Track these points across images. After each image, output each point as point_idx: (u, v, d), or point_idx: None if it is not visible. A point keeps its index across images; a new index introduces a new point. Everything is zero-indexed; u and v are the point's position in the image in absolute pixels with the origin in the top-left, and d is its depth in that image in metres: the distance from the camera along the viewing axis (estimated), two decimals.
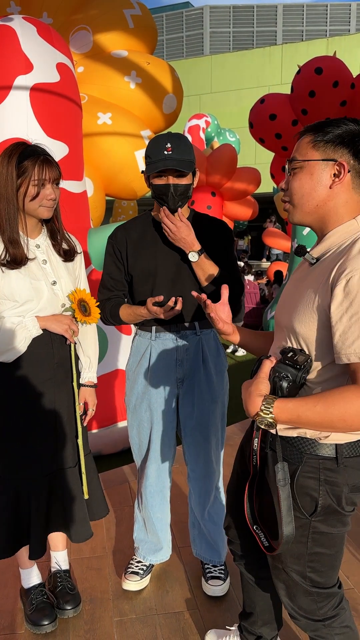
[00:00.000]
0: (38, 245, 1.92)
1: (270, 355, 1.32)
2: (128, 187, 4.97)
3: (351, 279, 1.15)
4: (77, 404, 2.00)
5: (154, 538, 2.30)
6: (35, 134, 3.55)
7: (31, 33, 3.64)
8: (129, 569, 2.32)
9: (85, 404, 2.12)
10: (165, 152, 1.88)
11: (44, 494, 1.96)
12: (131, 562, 2.35)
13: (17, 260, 1.81)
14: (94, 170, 4.86)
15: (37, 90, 3.60)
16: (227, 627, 2.01)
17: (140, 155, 4.81)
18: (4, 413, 1.90)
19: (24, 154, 1.78)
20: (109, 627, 2.09)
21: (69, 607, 2.12)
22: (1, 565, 2.45)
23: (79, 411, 2.01)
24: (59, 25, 4.78)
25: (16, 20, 3.59)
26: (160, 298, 1.84)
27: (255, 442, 1.34)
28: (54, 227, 1.97)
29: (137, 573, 2.30)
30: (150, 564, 2.35)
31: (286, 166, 1.33)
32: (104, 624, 2.10)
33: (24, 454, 1.92)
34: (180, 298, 1.85)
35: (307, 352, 1.26)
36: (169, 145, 1.88)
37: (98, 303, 2.08)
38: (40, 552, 1.97)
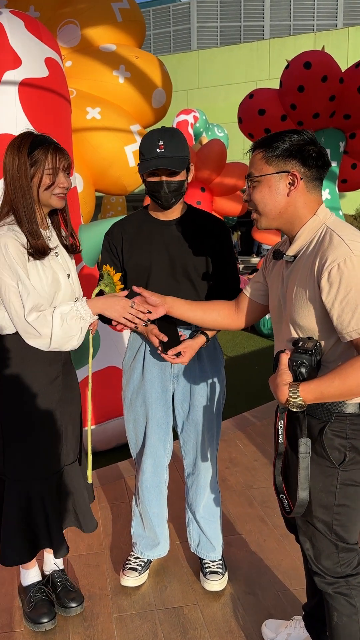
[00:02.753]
0: (49, 237, 1.89)
1: (284, 350, 1.46)
2: (118, 182, 4.95)
3: (332, 270, 1.35)
4: (88, 401, 2.00)
5: (151, 533, 2.29)
6: (24, 129, 3.51)
7: (19, 27, 3.60)
8: (127, 565, 2.31)
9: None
10: (158, 150, 1.87)
11: (55, 492, 1.96)
12: (129, 558, 2.35)
13: (40, 251, 1.76)
14: (84, 165, 4.83)
15: (25, 85, 3.56)
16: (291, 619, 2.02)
17: (130, 150, 4.78)
18: (15, 412, 1.89)
19: (35, 143, 1.75)
20: (109, 624, 2.08)
21: (75, 604, 2.12)
22: None
23: (90, 403, 2.01)
24: (46, 19, 4.73)
25: (4, 14, 3.55)
26: (165, 338, 1.87)
27: (280, 424, 1.50)
28: (61, 219, 1.95)
29: (135, 569, 2.29)
30: (148, 560, 2.34)
31: (247, 182, 1.50)
32: (103, 621, 2.10)
33: (35, 455, 1.92)
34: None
35: (314, 339, 1.44)
36: (161, 142, 1.87)
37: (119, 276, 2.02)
38: (64, 549, 1.98)
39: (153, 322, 1.96)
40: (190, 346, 1.95)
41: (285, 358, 1.43)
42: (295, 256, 1.51)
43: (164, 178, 1.91)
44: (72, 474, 2.01)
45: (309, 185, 1.47)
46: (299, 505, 1.45)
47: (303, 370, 1.38)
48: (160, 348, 1.91)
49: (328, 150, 5.80)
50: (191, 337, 2.02)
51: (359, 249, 1.34)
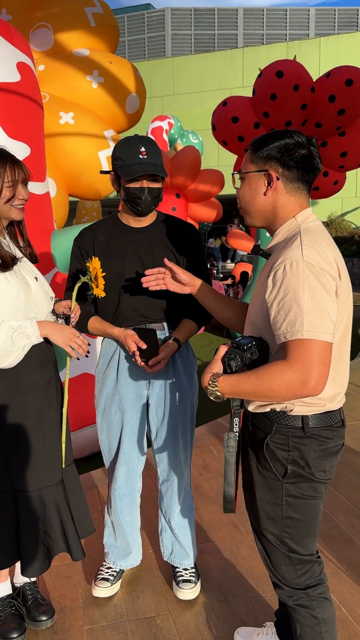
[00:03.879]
0: (9, 246, 1.90)
1: (227, 343, 1.48)
2: (92, 187, 4.92)
3: (278, 270, 1.35)
4: (64, 402, 1.98)
5: (124, 543, 2.27)
6: None
7: None
8: (99, 576, 2.28)
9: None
10: (141, 156, 1.87)
11: (36, 508, 1.93)
12: (101, 568, 2.32)
13: (5, 262, 1.78)
14: (57, 170, 4.78)
15: None
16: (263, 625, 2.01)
17: (103, 155, 4.76)
18: (14, 422, 1.87)
19: None
20: (80, 636, 2.05)
21: (45, 618, 2.08)
22: None
23: (65, 416, 1.99)
24: (19, 23, 4.68)
25: None
26: (143, 345, 1.89)
27: (236, 421, 1.52)
28: (17, 230, 1.95)
29: (107, 579, 2.26)
30: (120, 570, 2.32)
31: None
32: (74, 633, 2.06)
33: (18, 464, 1.90)
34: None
35: (256, 337, 1.45)
36: (143, 149, 1.87)
37: (104, 274, 1.95)
38: (35, 570, 1.94)
39: (133, 329, 1.96)
40: (167, 355, 1.96)
41: (222, 349, 1.45)
42: (270, 254, 1.52)
43: (145, 184, 1.92)
44: (56, 497, 1.99)
45: (288, 186, 1.46)
46: (226, 501, 1.47)
47: (233, 364, 1.39)
48: (137, 355, 1.92)
49: None
50: (163, 342, 2.02)
51: (310, 255, 1.33)
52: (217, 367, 1.43)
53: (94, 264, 1.84)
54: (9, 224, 1.93)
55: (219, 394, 1.40)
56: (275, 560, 1.57)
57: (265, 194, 1.47)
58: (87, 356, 1.90)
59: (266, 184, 1.46)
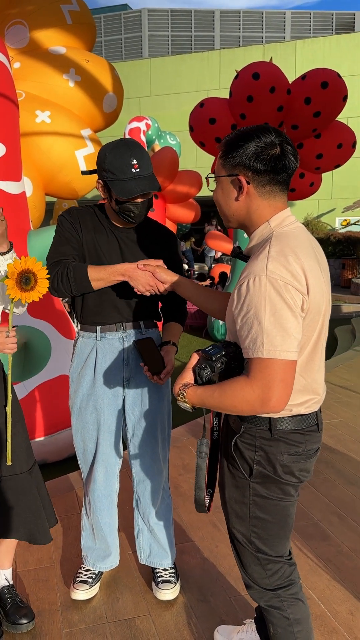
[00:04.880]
0: None
1: (199, 350, 1.47)
2: (68, 186, 4.88)
3: (243, 284, 1.32)
4: (9, 410, 1.88)
5: (102, 544, 2.25)
6: None
7: None
8: (78, 578, 2.26)
9: None
10: (134, 170, 1.82)
11: None
12: (79, 571, 2.29)
13: None
14: (33, 169, 4.73)
15: None
16: (243, 622, 2.01)
17: (80, 154, 4.72)
18: None
19: None
20: None
21: (25, 621, 2.05)
22: None
23: (10, 417, 1.89)
24: None
25: None
26: (160, 262, 1.85)
27: (215, 421, 1.55)
28: None
29: (86, 582, 2.24)
30: (99, 572, 2.30)
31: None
32: (53, 637, 2.04)
33: None
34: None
35: (229, 343, 1.43)
36: (135, 162, 1.82)
37: (48, 276, 1.81)
38: None
39: (134, 342, 1.92)
40: (173, 362, 1.98)
41: (194, 359, 1.45)
42: (248, 256, 1.48)
43: (139, 199, 1.89)
44: (16, 486, 1.96)
45: (259, 190, 1.41)
46: (197, 504, 1.49)
47: (203, 373, 1.39)
48: (146, 370, 1.90)
49: None
50: (162, 346, 2.03)
51: (274, 269, 1.29)
52: (188, 376, 1.44)
53: (26, 264, 1.71)
54: None
55: (187, 405, 1.42)
56: (245, 560, 1.58)
57: (237, 199, 1.43)
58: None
59: (238, 189, 1.43)
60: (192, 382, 1.44)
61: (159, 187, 1.87)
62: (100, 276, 1.86)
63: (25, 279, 1.72)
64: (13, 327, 1.82)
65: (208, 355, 1.39)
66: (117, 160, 1.83)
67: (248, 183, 1.41)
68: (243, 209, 1.44)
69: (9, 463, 1.90)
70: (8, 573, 2.16)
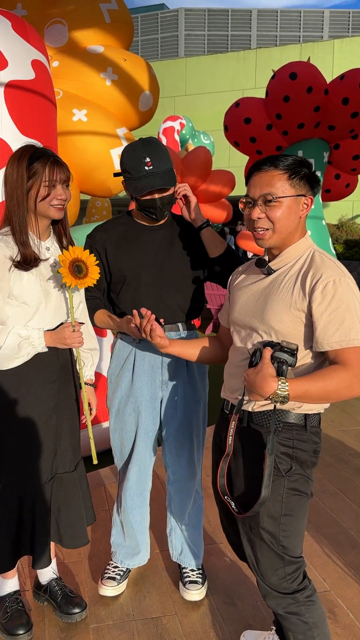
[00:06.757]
0: (48, 247, 1.91)
1: (265, 346, 1.49)
2: (103, 184, 4.91)
3: (328, 284, 1.45)
4: (85, 403, 1.97)
5: (132, 542, 2.26)
6: (9, 132, 3.47)
7: (5, 28, 3.56)
8: (106, 574, 2.28)
9: (89, 404, 2.11)
10: (146, 168, 1.85)
11: (47, 500, 1.93)
12: (108, 567, 2.31)
13: (27, 260, 1.79)
14: (69, 167, 4.78)
15: (11, 87, 3.52)
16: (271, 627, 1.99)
17: (115, 153, 4.74)
18: (9, 418, 1.87)
19: (34, 156, 1.78)
20: (86, 635, 2.04)
21: (78, 610, 2.09)
22: None
23: (87, 409, 1.98)
24: (34, 18, 4.68)
25: None
26: (145, 311, 1.81)
27: (233, 424, 1.57)
28: (60, 231, 1.95)
29: (114, 578, 2.26)
30: (127, 569, 2.31)
31: (258, 200, 1.53)
32: (80, 632, 2.06)
33: (29, 460, 1.89)
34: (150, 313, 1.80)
35: (275, 343, 1.50)
36: (148, 159, 1.85)
37: (97, 262, 1.96)
38: (46, 561, 1.94)
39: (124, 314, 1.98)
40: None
41: (268, 353, 1.45)
42: (275, 270, 1.59)
43: (156, 195, 1.91)
44: (66, 484, 1.99)
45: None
46: (261, 503, 1.47)
47: (284, 367, 1.42)
48: (140, 332, 1.85)
49: (312, 160, 5.87)
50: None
51: (348, 273, 1.49)
52: (273, 370, 1.43)
53: (74, 253, 1.80)
54: (55, 224, 1.94)
55: (287, 397, 1.40)
56: (266, 565, 1.59)
57: (300, 217, 1.56)
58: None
59: (303, 207, 1.55)
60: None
61: (172, 183, 1.87)
62: (104, 322, 2.07)
63: (77, 268, 1.81)
64: (80, 322, 1.90)
65: (291, 351, 1.44)
66: (132, 159, 1.87)
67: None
68: (299, 225, 1.57)
69: (95, 462, 1.99)
70: (53, 565, 2.19)
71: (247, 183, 1.61)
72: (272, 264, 1.59)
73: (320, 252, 1.55)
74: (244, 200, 1.58)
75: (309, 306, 1.47)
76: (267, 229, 1.54)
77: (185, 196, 2.03)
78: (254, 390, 1.42)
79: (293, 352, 1.44)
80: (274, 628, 1.96)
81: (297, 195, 1.53)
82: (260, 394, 1.41)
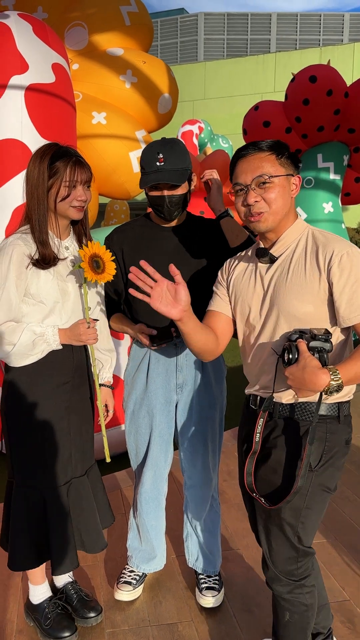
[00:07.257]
0: (67, 247, 1.90)
1: (295, 340, 1.44)
2: (122, 187, 4.93)
3: (342, 257, 1.43)
4: (100, 405, 1.97)
5: (148, 546, 2.24)
6: (29, 135, 3.49)
7: (27, 31, 3.59)
8: (122, 579, 2.26)
9: (106, 406, 2.11)
10: (157, 164, 1.83)
11: (64, 505, 1.92)
12: (124, 571, 2.29)
13: (45, 259, 1.79)
14: None
15: (32, 91, 3.54)
16: None
17: (134, 156, 4.76)
18: (21, 417, 1.86)
19: (56, 155, 1.77)
20: (101, 639, 2.02)
21: (94, 614, 2.08)
22: None
23: (102, 411, 1.98)
24: (54, 21, 4.72)
25: (12, 17, 3.54)
26: (153, 332, 1.86)
27: (261, 422, 1.55)
28: (80, 230, 1.95)
29: (129, 583, 2.23)
30: (143, 574, 2.29)
31: (251, 184, 1.50)
32: (96, 636, 2.04)
33: (44, 462, 1.88)
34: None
35: (305, 330, 1.46)
36: (161, 155, 1.83)
37: (113, 257, 1.96)
38: (66, 567, 1.91)
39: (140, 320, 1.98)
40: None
41: (304, 345, 1.40)
42: (277, 257, 1.56)
43: (165, 192, 1.88)
44: (81, 487, 1.97)
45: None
46: (294, 493, 1.47)
47: (326, 356, 1.39)
48: (150, 344, 1.88)
49: (332, 163, 5.81)
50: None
51: (352, 244, 1.48)
52: (317, 362, 1.38)
53: (92, 249, 1.79)
54: (75, 224, 1.94)
55: (340, 385, 1.36)
56: (280, 553, 1.60)
57: (292, 197, 1.55)
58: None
59: (293, 186, 1.54)
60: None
61: (178, 181, 1.84)
62: (117, 327, 2.07)
63: (95, 263, 1.81)
64: (94, 319, 1.89)
65: (326, 338, 1.41)
66: (147, 155, 1.87)
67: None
68: (291, 206, 1.56)
69: (107, 460, 2.00)
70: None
71: (231, 174, 1.58)
72: (273, 251, 1.57)
73: (319, 230, 1.55)
74: (236, 189, 1.54)
75: (329, 282, 1.44)
76: (263, 212, 1.51)
77: (209, 181, 2.03)
78: (305, 387, 1.37)
79: (327, 338, 1.40)
80: None
81: (287, 175, 1.52)
82: (314, 389, 1.36)
